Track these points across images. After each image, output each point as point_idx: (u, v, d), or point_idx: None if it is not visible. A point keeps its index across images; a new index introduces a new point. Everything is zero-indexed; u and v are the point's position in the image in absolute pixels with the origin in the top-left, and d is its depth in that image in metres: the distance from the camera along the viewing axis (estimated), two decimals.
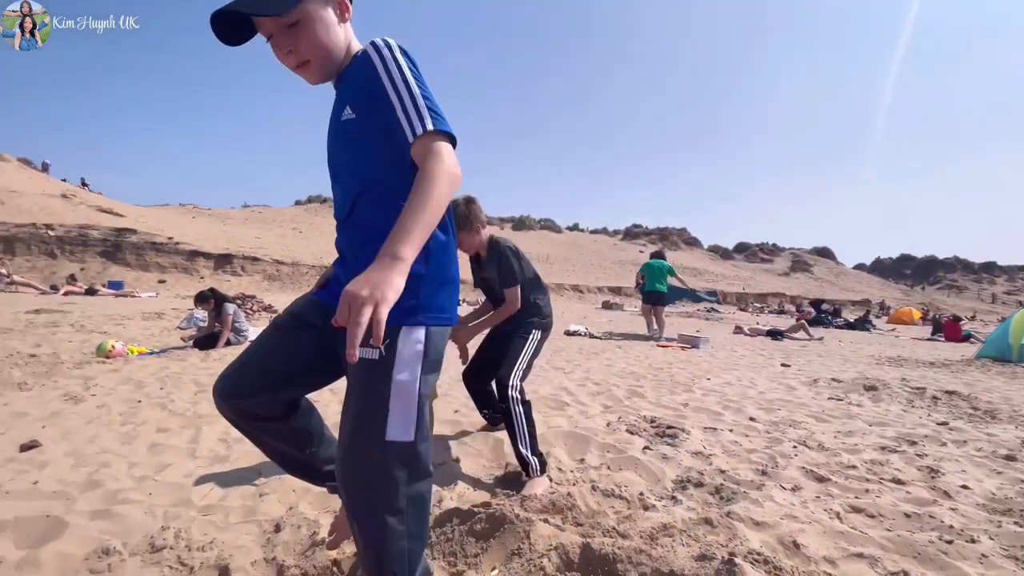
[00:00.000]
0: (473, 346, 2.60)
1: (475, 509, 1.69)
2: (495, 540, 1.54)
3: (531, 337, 2.43)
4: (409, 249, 0.81)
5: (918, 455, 2.71)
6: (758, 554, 1.51)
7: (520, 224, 46.05)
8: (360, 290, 0.74)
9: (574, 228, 53.57)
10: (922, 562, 1.60)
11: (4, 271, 12.38)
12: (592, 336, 8.70)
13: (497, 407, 2.52)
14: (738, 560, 1.31)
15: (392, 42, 1.01)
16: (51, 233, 16.51)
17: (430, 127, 0.90)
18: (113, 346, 4.68)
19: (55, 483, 1.98)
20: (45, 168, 28.06)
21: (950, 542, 1.71)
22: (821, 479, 2.30)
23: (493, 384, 2.33)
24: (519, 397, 2.20)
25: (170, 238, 19.07)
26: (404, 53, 1.01)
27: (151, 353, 4.95)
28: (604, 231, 54.75)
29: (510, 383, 2.22)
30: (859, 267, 59.16)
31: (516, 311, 2.42)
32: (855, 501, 2.07)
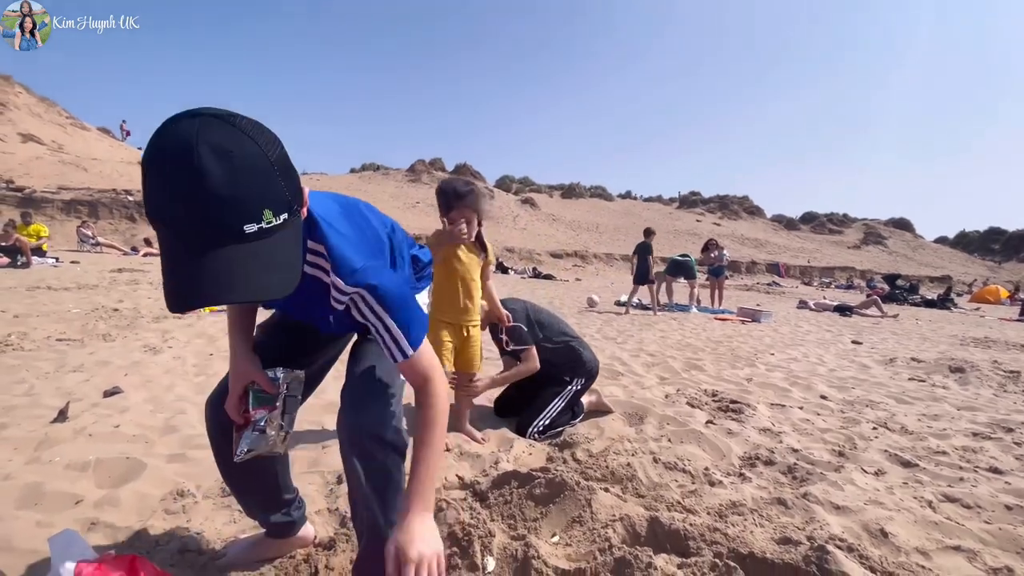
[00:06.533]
0: None
1: (534, 473, 1.65)
2: (555, 506, 1.50)
3: None
4: (431, 501, 0.93)
5: (1015, 443, 2.46)
6: (841, 540, 1.39)
7: (570, 192, 44.63)
8: (415, 551, 0.83)
9: (627, 196, 51.57)
10: None
11: (90, 233, 13.40)
12: (644, 307, 8.46)
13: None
14: (830, 547, 1.19)
15: (365, 294, 0.93)
16: (130, 198, 17.65)
17: (409, 353, 0.95)
18: None
19: (135, 427, 2.09)
20: (123, 129, 29.18)
21: None
22: (907, 464, 2.11)
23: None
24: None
25: None
26: (378, 295, 0.94)
27: (222, 310, 5.23)
28: (659, 199, 52.26)
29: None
30: (940, 240, 53.98)
31: None
32: (948, 490, 1.88)
